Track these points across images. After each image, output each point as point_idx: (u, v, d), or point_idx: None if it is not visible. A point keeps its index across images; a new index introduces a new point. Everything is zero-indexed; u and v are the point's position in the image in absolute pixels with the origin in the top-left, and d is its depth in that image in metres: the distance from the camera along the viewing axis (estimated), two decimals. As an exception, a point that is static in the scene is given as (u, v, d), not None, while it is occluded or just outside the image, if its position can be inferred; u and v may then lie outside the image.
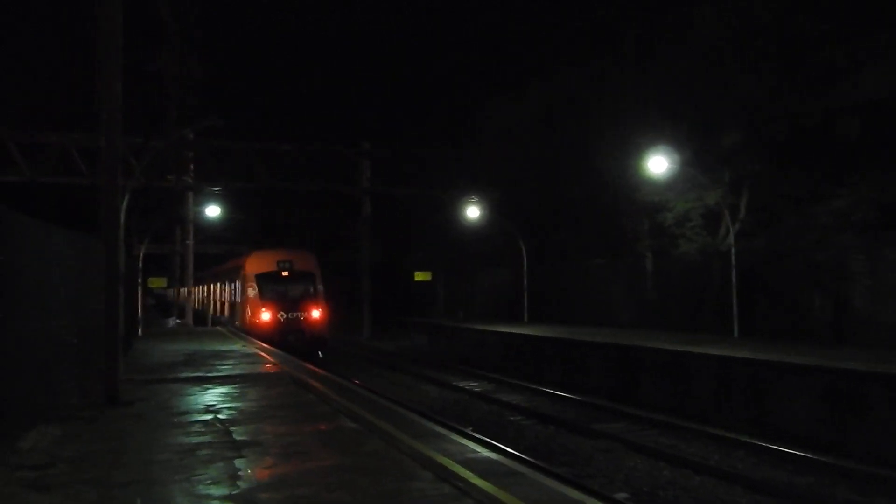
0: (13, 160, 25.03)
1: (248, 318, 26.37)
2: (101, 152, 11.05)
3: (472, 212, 28.23)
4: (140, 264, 27.43)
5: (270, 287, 25.79)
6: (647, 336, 18.86)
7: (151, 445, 7.66)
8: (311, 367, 16.23)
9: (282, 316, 25.37)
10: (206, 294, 39.38)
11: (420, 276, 33.32)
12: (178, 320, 41.53)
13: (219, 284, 33.76)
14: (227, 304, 31.50)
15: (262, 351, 19.65)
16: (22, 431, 7.86)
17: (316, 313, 25.82)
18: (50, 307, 8.95)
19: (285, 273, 26.10)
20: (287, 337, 24.72)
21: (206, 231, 41.14)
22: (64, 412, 9.36)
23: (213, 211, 32.33)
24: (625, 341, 17.51)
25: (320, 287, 26.24)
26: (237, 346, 21.05)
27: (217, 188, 30.83)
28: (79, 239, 10.65)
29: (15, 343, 7.44)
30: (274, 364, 16.08)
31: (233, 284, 29.69)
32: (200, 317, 37.40)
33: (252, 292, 26.09)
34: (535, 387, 18.43)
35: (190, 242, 36.17)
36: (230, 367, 15.55)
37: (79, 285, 10.44)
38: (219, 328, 31.27)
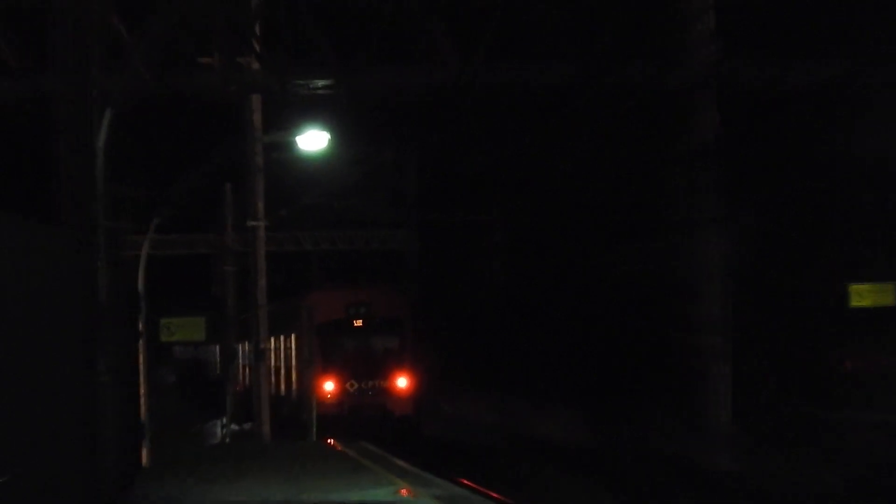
0: None
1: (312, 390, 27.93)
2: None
3: None
4: (141, 285, 19.27)
5: (337, 342, 28.60)
6: None
7: None
8: None
9: (350, 386, 27.99)
10: (289, 353, 31.94)
11: (865, 296, 24.14)
12: (235, 426, 31.22)
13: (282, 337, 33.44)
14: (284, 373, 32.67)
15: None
16: None
17: (402, 381, 28.36)
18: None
19: (358, 322, 28.81)
20: (358, 417, 27.46)
21: (303, 195, 29.11)
22: None
23: (313, 141, 23.23)
24: None
25: (410, 339, 29.15)
26: (382, 495, 16.28)
27: (324, 82, 19.21)
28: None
29: None
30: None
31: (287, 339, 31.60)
32: (286, 410, 29.70)
33: (308, 351, 28.15)
34: None
35: (259, 224, 25.07)
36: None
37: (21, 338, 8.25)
38: (335, 444, 24.48)
